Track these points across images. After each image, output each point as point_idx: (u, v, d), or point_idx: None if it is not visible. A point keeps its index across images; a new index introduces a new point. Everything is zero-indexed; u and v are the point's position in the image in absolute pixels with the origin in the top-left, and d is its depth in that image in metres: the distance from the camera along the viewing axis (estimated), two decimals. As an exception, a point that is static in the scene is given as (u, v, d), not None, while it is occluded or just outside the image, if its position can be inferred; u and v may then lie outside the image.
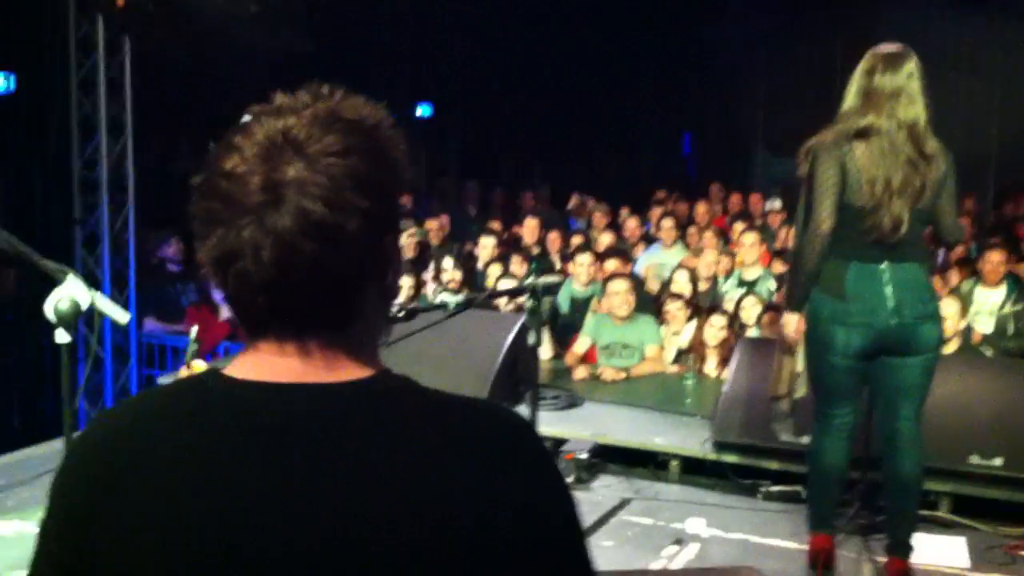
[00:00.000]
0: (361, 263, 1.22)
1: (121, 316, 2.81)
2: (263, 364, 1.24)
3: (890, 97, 3.95)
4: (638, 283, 8.11)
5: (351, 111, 1.24)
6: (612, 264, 7.88)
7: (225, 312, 8.32)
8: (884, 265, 4.01)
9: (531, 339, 3.73)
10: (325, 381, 1.22)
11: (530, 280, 3.79)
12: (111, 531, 1.20)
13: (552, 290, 3.83)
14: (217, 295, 8.40)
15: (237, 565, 1.15)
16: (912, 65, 3.99)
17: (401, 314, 3.44)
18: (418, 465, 1.17)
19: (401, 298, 7.12)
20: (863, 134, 3.97)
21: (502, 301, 7.26)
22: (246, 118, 1.24)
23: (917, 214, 3.99)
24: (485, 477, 1.18)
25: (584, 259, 7.78)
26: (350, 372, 1.24)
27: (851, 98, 4.05)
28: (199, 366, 3.66)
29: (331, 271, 1.19)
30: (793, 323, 4.19)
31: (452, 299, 3.51)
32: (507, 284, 7.24)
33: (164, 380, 6.75)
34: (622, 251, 8.55)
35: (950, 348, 6.18)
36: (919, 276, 4.05)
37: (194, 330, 4.04)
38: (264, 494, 1.16)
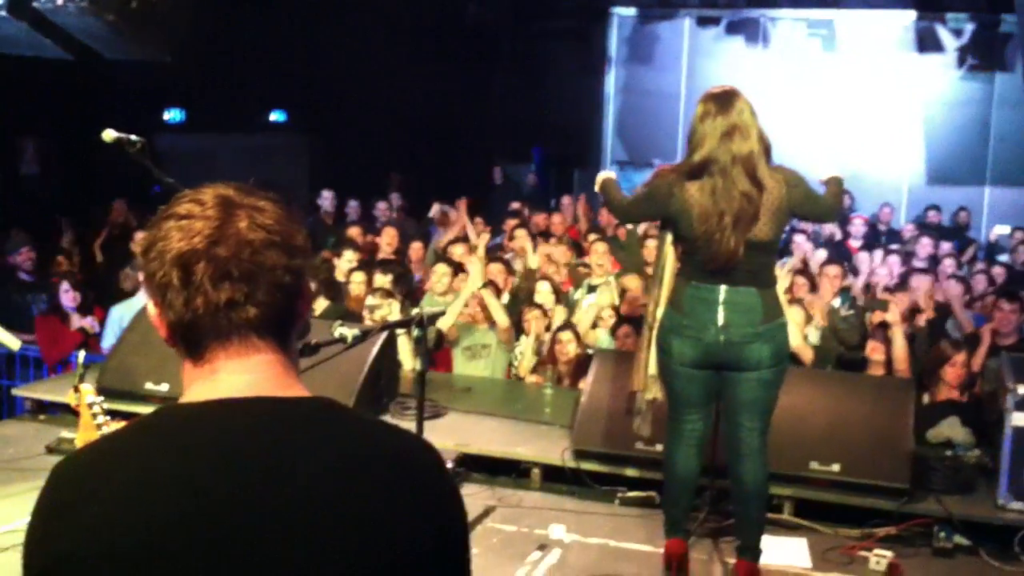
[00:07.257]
0: (300, 281, 1.44)
1: (12, 343, 2.84)
2: (219, 385, 1.41)
3: (724, 136, 4.21)
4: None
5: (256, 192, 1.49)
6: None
7: (76, 321, 8.14)
8: (720, 287, 4.30)
9: (419, 364, 3.88)
10: (280, 395, 1.41)
11: (416, 310, 3.95)
12: (93, 535, 1.30)
13: (436, 319, 4.00)
14: (68, 304, 8.20)
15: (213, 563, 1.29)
16: (742, 102, 4.26)
17: (303, 348, 3.50)
18: (363, 476, 1.37)
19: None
20: (698, 172, 4.25)
21: (365, 312, 7.35)
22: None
23: (756, 244, 4.24)
24: (419, 499, 1.40)
25: (441, 269, 7.93)
26: (296, 391, 1.43)
27: (691, 141, 4.31)
28: (87, 390, 3.66)
29: (285, 270, 1.41)
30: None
31: (349, 332, 3.66)
32: (371, 297, 7.33)
33: (16, 391, 6.60)
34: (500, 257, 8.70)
35: (806, 356, 6.58)
36: (754, 300, 4.30)
37: (82, 354, 4.04)
38: (241, 497, 1.31)
